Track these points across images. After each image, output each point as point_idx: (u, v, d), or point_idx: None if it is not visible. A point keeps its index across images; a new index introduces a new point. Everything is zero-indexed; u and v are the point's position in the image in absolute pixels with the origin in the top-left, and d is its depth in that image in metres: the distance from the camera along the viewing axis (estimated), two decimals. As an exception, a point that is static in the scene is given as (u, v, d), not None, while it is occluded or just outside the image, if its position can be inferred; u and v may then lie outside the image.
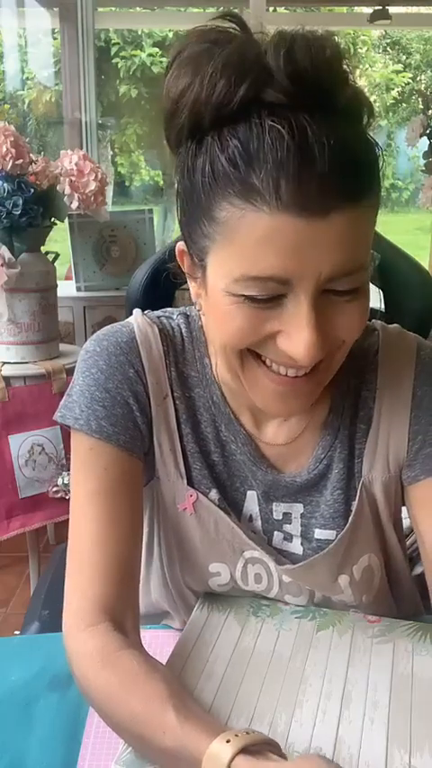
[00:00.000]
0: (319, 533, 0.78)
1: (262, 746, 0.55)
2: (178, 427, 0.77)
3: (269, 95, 0.56)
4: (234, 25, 0.60)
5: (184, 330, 0.78)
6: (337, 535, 0.77)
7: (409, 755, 0.62)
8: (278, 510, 0.79)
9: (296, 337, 0.60)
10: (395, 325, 0.80)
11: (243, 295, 0.60)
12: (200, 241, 0.63)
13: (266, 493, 0.78)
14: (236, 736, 0.54)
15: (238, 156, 0.57)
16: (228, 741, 0.54)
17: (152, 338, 0.76)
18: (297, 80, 0.55)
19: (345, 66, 0.58)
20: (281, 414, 0.74)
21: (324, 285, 0.59)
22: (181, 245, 0.69)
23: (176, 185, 0.65)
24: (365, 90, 0.61)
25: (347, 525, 0.76)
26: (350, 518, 0.77)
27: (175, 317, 0.79)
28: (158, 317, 0.79)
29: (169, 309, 0.81)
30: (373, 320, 0.81)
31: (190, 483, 0.77)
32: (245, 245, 0.58)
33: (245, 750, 0.53)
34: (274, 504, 0.79)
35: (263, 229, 0.57)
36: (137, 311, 0.79)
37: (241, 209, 0.57)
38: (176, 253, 0.70)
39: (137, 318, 0.78)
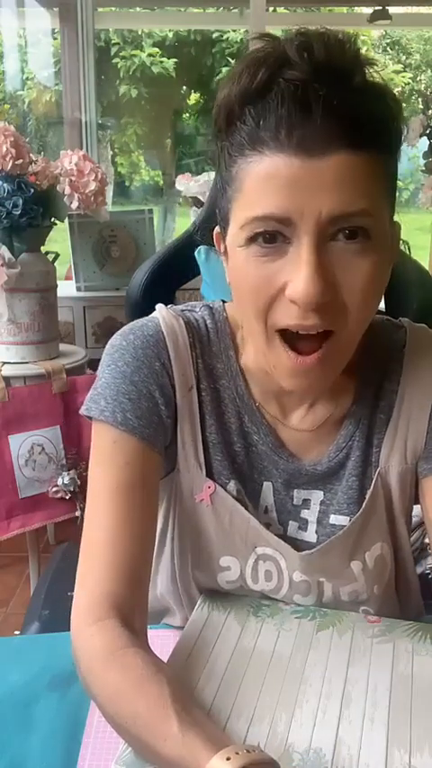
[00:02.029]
0: (334, 519, 0.79)
1: (262, 766, 0.54)
2: (202, 418, 0.77)
3: (284, 74, 0.60)
4: (266, 40, 0.64)
5: (209, 322, 0.79)
6: (350, 521, 0.78)
7: (409, 755, 0.62)
8: (298, 497, 0.80)
9: (296, 277, 0.62)
10: (423, 324, 0.82)
11: (249, 238, 0.63)
12: (224, 209, 0.68)
13: (288, 481, 0.79)
14: (236, 753, 0.54)
15: (251, 119, 0.62)
16: (228, 759, 0.53)
17: (178, 330, 0.77)
18: (312, 64, 0.59)
19: (361, 59, 0.62)
20: (304, 391, 0.74)
21: (326, 228, 0.61)
22: (217, 229, 0.72)
23: (215, 180, 0.71)
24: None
25: (361, 510, 0.78)
26: (364, 503, 0.78)
27: (198, 309, 0.81)
28: (182, 311, 0.80)
29: (191, 303, 0.83)
30: (401, 318, 0.83)
31: (209, 474, 0.78)
32: (249, 189, 0.63)
33: None
34: (295, 491, 0.80)
35: (263, 170, 0.61)
36: (160, 306, 0.81)
37: (248, 159, 0.62)
38: (214, 238, 0.73)
39: (161, 312, 0.79)
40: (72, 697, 0.72)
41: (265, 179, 0.61)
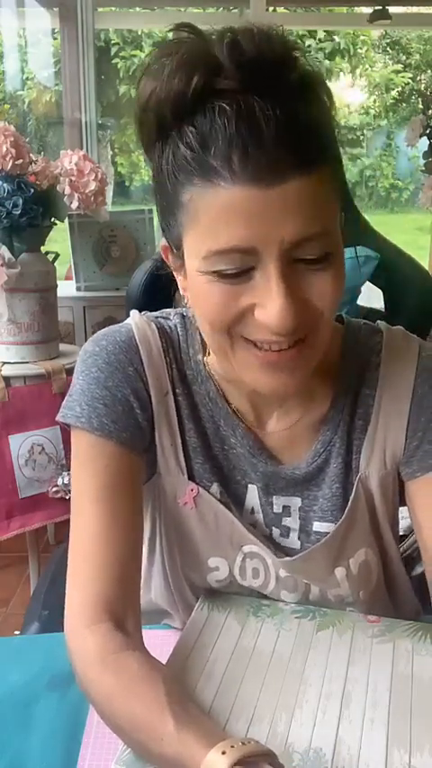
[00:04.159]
0: (318, 526, 0.79)
1: (258, 758, 0.54)
2: (180, 423, 0.77)
3: (219, 83, 0.59)
4: (189, 33, 0.62)
5: (180, 329, 0.79)
6: (334, 528, 0.78)
7: (409, 755, 0.62)
8: (278, 503, 0.80)
9: (269, 306, 0.61)
10: (399, 327, 0.81)
11: (213, 271, 0.62)
12: (174, 230, 0.66)
13: (266, 486, 0.79)
14: (232, 747, 0.54)
15: (194, 140, 0.60)
16: (223, 753, 0.54)
17: (151, 336, 0.77)
18: (243, 66, 0.58)
19: (294, 53, 0.60)
20: (273, 390, 0.71)
21: (290, 253, 0.60)
22: (164, 242, 0.70)
23: (153, 188, 0.68)
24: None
25: (343, 517, 0.78)
26: (346, 510, 0.78)
27: (171, 316, 0.81)
28: (156, 318, 0.80)
29: (166, 310, 0.83)
30: (378, 321, 0.82)
31: (191, 477, 0.78)
32: (207, 221, 0.61)
33: (240, 762, 0.53)
34: (274, 497, 0.80)
35: (220, 203, 0.59)
36: (134, 312, 0.81)
37: (201, 189, 0.60)
38: (161, 250, 0.72)
39: (134, 318, 0.79)
40: (72, 697, 0.72)
41: (223, 212, 0.59)
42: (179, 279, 0.71)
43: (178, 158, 0.61)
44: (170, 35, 0.63)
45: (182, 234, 0.64)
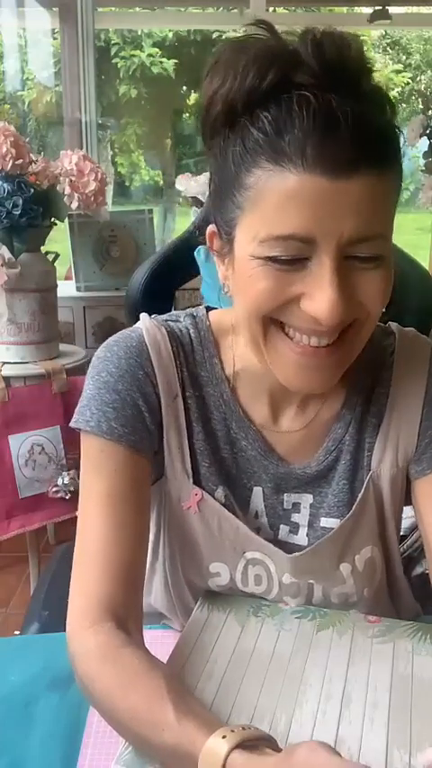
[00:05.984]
0: (325, 522, 0.80)
1: (258, 742, 0.55)
2: (188, 426, 0.78)
3: (298, 77, 0.60)
4: (264, 31, 0.63)
5: (192, 331, 0.79)
6: (340, 523, 0.78)
7: (409, 755, 0.62)
8: (288, 500, 0.80)
9: (319, 298, 0.62)
10: (411, 328, 0.82)
11: (267, 257, 0.62)
12: (229, 214, 0.66)
13: (277, 485, 0.79)
14: (232, 731, 0.55)
15: (268, 125, 0.61)
16: (224, 737, 0.55)
17: (161, 340, 0.77)
18: (325, 65, 0.59)
19: (367, 59, 0.62)
20: (303, 388, 0.73)
21: (346, 249, 0.61)
22: (211, 227, 0.71)
23: (209, 175, 0.69)
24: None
25: (351, 513, 0.78)
26: (354, 506, 0.78)
27: (182, 319, 0.81)
28: (165, 321, 0.81)
29: (175, 312, 0.83)
30: (390, 323, 0.83)
31: (197, 482, 0.78)
32: (271, 205, 0.61)
33: (241, 745, 0.54)
34: (285, 495, 0.80)
35: (288, 189, 0.60)
36: (144, 316, 0.81)
37: (269, 171, 0.61)
38: (207, 236, 0.73)
39: (144, 322, 0.79)
40: (72, 697, 0.72)
41: (290, 198, 0.60)
42: (221, 267, 0.71)
43: (248, 142, 0.62)
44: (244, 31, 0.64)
45: (238, 217, 0.65)
